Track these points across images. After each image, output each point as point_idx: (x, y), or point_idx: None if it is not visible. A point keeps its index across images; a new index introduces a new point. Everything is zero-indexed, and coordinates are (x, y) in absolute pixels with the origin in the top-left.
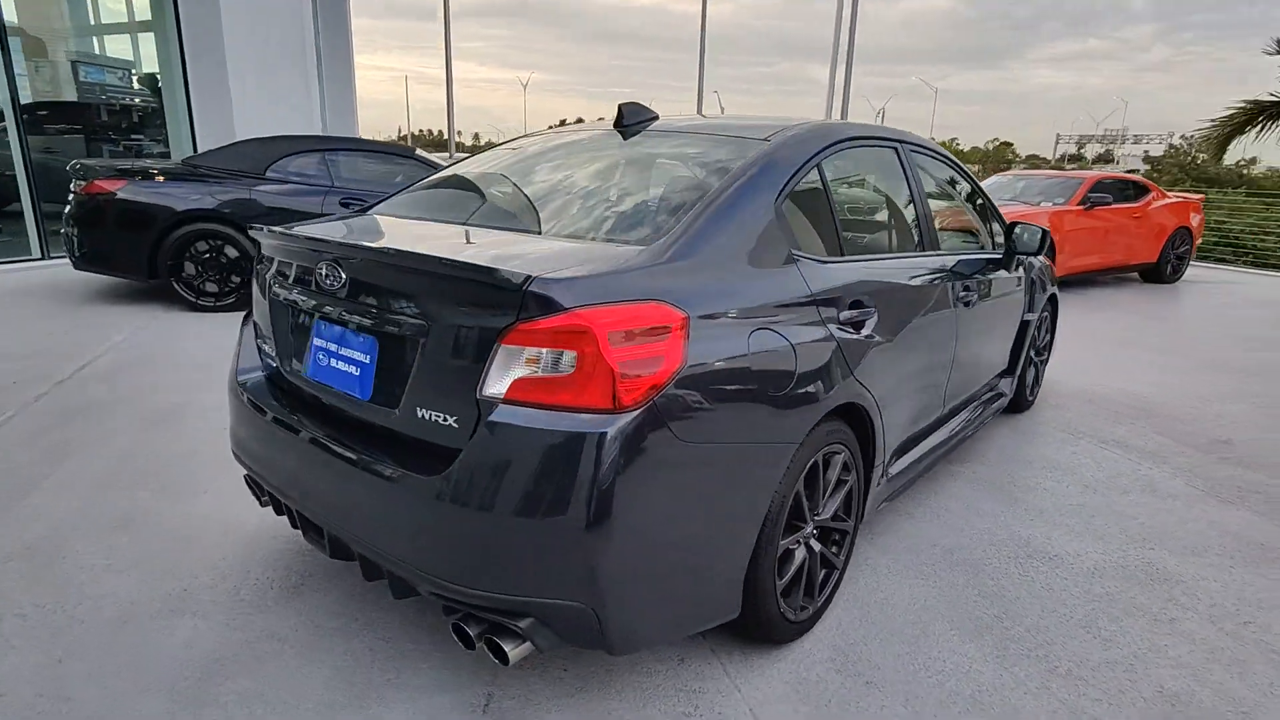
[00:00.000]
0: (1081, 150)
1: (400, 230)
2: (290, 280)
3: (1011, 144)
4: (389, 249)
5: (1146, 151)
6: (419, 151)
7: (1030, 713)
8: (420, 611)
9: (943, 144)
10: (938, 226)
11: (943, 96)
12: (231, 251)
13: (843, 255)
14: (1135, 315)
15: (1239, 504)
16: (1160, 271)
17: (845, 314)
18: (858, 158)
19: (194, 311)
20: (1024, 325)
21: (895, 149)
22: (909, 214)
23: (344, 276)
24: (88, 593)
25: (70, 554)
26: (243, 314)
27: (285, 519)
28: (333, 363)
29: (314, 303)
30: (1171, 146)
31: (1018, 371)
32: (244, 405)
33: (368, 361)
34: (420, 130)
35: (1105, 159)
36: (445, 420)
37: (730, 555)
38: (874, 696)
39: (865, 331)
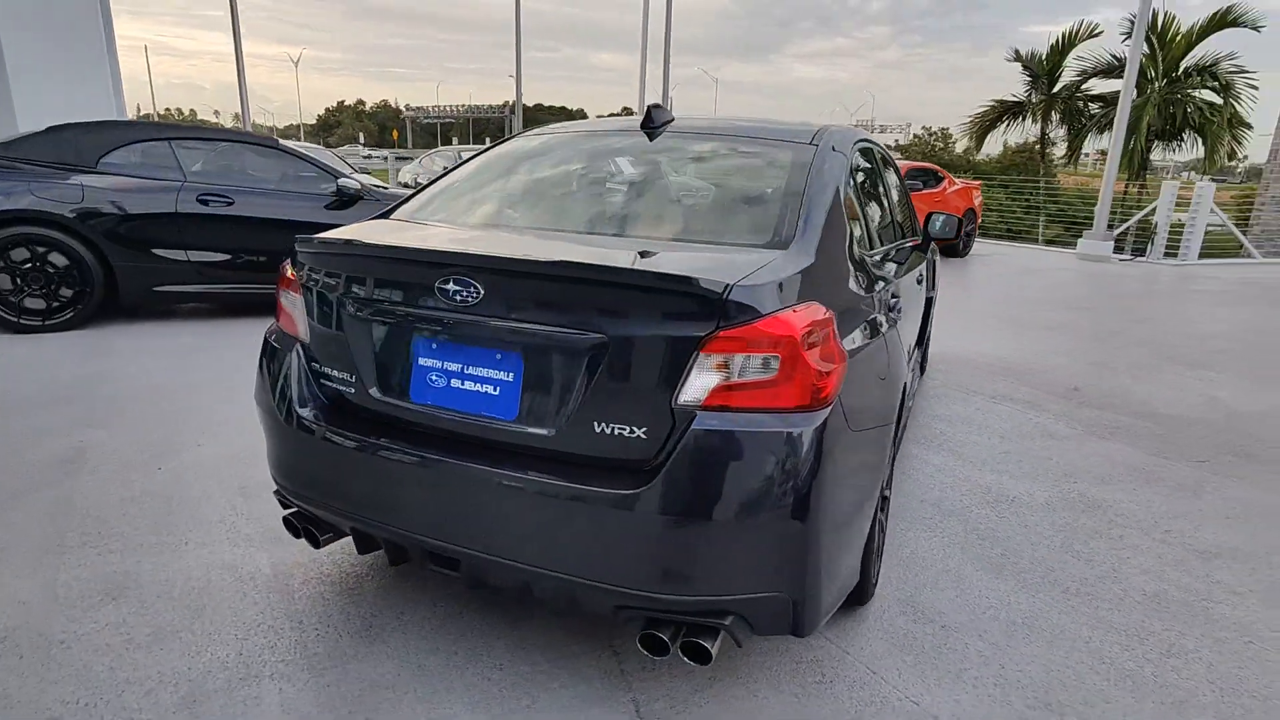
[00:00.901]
0: None
1: (512, 240)
2: (376, 297)
3: None
4: (569, 261)
5: (898, 140)
6: (282, 141)
7: (1072, 627)
8: (521, 632)
9: None
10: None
11: (720, 87)
12: (59, 259)
13: (871, 248)
14: (951, 287)
15: (1112, 439)
16: (955, 247)
17: (890, 300)
18: (861, 157)
19: (18, 334)
20: (929, 301)
21: (872, 149)
22: (889, 207)
23: (480, 291)
24: (123, 677)
25: (65, 637)
26: (265, 334)
27: (316, 547)
28: (454, 383)
29: (419, 320)
30: (915, 136)
31: (925, 342)
32: (310, 438)
33: (511, 380)
34: (166, 109)
35: None
36: (632, 433)
37: (864, 528)
38: (955, 637)
39: (895, 314)
